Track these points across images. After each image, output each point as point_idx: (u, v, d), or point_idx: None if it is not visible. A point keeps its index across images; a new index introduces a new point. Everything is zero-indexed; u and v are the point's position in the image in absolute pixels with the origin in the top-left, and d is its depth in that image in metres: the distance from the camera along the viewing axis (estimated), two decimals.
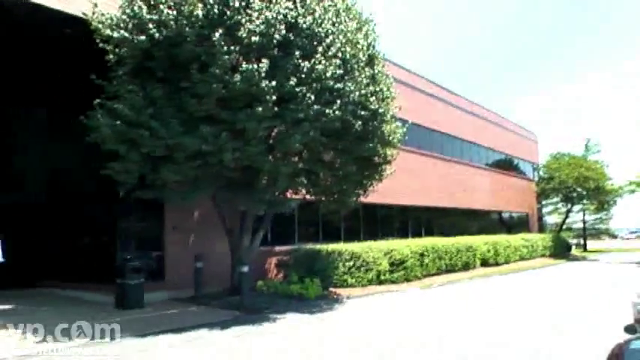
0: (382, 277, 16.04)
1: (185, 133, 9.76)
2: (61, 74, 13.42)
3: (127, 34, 10.19)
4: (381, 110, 12.38)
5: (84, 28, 10.54)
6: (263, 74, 9.77)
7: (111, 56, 10.47)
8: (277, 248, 16.20)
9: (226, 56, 9.66)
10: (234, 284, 12.83)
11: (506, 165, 34.36)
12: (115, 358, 7.61)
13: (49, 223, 15.92)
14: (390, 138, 13.16)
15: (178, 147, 9.92)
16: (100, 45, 10.49)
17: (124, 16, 10.46)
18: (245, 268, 11.85)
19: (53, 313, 11.18)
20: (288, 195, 13.17)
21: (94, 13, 10.65)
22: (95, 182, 12.52)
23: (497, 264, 23.40)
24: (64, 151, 15.48)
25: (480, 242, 22.76)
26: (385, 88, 12.97)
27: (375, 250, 16.26)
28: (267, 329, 9.74)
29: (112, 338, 8.64)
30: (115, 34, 10.26)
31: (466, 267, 20.87)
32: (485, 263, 22.59)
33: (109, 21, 10.52)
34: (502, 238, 25.63)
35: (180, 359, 7.60)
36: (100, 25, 10.49)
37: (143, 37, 10.00)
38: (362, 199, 14.29)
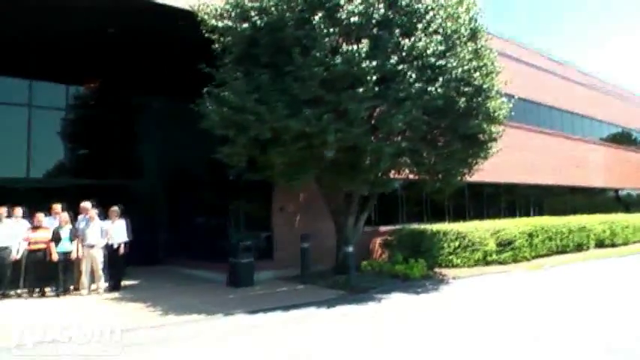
0: (489, 258, 15.59)
1: (289, 116, 9.94)
2: (174, 65, 14.19)
3: (230, 23, 10.57)
4: (485, 86, 11.95)
5: (192, 19, 11.06)
6: (363, 54, 9.73)
7: (217, 45, 10.91)
8: (382, 228, 16.19)
9: (327, 38, 9.73)
10: (339, 264, 13.01)
11: (624, 138, 31.89)
12: (227, 333, 7.99)
13: (169, 205, 16.98)
14: (496, 114, 12.65)
15: (283, 130, 10.14)
16: (207, 35, 10.97)
17: (227, 6, 10.86)
18: (350, 248, 12.01)
19: (174, 289, 12.04)
20: (392, 175, 13.10)
21: (199, 5, 11.14)
22: (208, 166, 13.20)
23: (613, 245, 21.81)
24: (179, 138, 16.43)
25: (595, 222, 21.36)
26: (489, 63, 12.47)
27: (481, 229, 15.83)
28: (373, 309, 9.80)
29: (226, 314, 9.10)
30: (220, 24, 10.69)
31: (579, 248, 19.72)
32: (600, 244, 21.16)
33: (213, 12, 10.97)
34: (620, 218, 23.85)
35: (290, 335, 7.82)
36: (206, 16, 10.97)
37: (246, 25, 10.32)
38: (467, 177, 13.91)
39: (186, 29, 11.38)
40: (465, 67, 11.30)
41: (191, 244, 15.65)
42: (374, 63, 9.82)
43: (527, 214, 22.32)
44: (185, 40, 12.01)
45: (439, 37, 10.78)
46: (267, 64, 10.46)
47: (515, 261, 16.22)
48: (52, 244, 11.06)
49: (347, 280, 11.87)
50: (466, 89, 11.42)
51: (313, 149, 10.72)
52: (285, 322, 8.62)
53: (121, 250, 11.93)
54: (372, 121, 11.19)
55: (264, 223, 13.98)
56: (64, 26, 12.48)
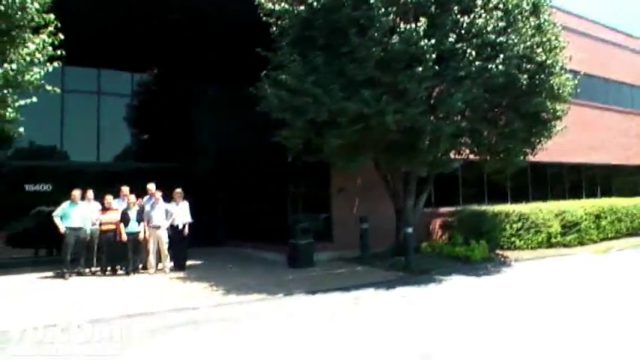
0: (553, 240, 15.17)
1: (346, 97, 9.93)
2: (232, 50, 14.42)
3: (287, 6, 10.63)
4: (548, 62, 11.55)
5: (249, 3, 11.19)
6: (421, 33, 9.60)
7: (274, 28, 11.00)
8: (441, 209, 15.99)
9: (384, 18, 9.65)
10: (398, 245, 12.94)
11: None
12: (286, 313, 8.16)
13: (228, 188, 17.34)
14: (560, 91, 12.21)
15: (341, 112, 10.11)
16: (264, 19, 11.07)
17: None
18: (409, 230, 11.91)
19: (235, 270, 12.34)
20: (452, 155, 12.92)
21: None
22: (266, 149, 13.38)
23: None
24: (237, 122, 16.72)
25: None
26: (553, 38, 12.05)
27: (544, 211, 15.40)
28: (432, 290, 9.75)
29: (286, 294, 9.26)
30: (277, 7, 10.75)
31: None
32: None
33: None
34: None
35: (349, 316, 7.91)
36: (263, 0, 11.07)
37: (302, 7, 10.36)
38: (530, 157, 13.54)
39: (244, 14, 11.53)
40: (527, 44, 11.00)
41: (250, 226, 15.95)
42: (432, 41, 9.67)
43: (594, 195, 21.50)
44: (242, 24, 12.18)
45: (499, 13, 10.52)
46: (323, 46, 10.46)
47: (580, 243, 15.74)
48: (122, 225, 11.58)
49: (406, 262, 11.82)
50: (528, 66, 11.10)
51: (371, 130, 10.67)
52: (345, 303, 8.70)
53: (185, 231, 12.33)
54: (431, 101, 11.03)
55: (322, 204, 14.06)
56: (130, 15, 12.92)
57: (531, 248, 14.76)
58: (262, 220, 15.37)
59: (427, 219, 15.38)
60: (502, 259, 13.36)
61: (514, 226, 14.93)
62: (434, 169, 12.63)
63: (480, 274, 11.43)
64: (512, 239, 14.83)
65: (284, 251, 12.75)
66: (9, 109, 8.66)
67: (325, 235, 13.62)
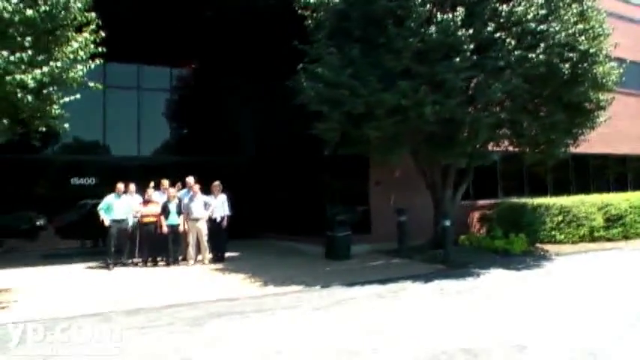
0: (595, 234, 14.76)
1: (383, 89, 9.85)
2: (268, 44, 14.51)
3: None
4: (592, 50, 11.18)
5: None
6: (459, 23, 9.46)
7: (309, 21, 11.03)
8: (479, 202, 15.78)
9: (421, 8, 9.54)
10: (436, 238, 12.84)
11: None
12: (324, 305, 8.18)
13: (265, 181, 17.50)
14: (604, 81, 11.82)
15: (378, 103, 10.02)
16: (300, 12, 11.10)
17: None
18: (447, 223, 11.78)
19: (273, 262, 12.44)
20: (491, 147, 12.72)
21: None
22: (303, 141, 13.44)
23: None
24: (273, 115, 16.83)
25: None
26: (597, 25, 11.64)
27: (587, 204, 14.99)
28: (471, 284, 9.63)
29: (323, 286, 9.29)
30: (312, 0, 10.77)
31: None
32: None
33: None
34: None
35: (387, 308, 7.89)
36: None
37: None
38: (571, 149, 13.21)
39: (280, 7, 11.59)
40: (570, 31, 10.67)
41: (287, 218, 16.05)
42: (470, 31, 9.53)
43: None
44: (278, 18, 12.26)
45: (540, 1, 10.27)
46: (359, 38, 10.40)
47: (625, 237, 15.27)
48: (162, 218, 11.83)
49: (444, 255, 11.70)
50: (571, 55, 10.77)
51: (408, 122, 10.56)
52: (382, 296, 8.66)
53: (224, 223, 12.49)
54: (469, 92, 10.86)
55: (360, 196, 14.05)
56: (167, 12, 13.16)
57: (573, 242, 14.40)
58: (299, 212, 15.45)
59: (465, 212, 15.19)
60: (542, 252, 13.11)
61: (555, 219, 14.58)
62: (473, 161, 12.46)
63: (519, 267, 11.22)
64: (553, 233, 14.49)
65: (321, 243, 12.78)
66: (55, 106, 8.92)
67: (362, 228, 13.59)
